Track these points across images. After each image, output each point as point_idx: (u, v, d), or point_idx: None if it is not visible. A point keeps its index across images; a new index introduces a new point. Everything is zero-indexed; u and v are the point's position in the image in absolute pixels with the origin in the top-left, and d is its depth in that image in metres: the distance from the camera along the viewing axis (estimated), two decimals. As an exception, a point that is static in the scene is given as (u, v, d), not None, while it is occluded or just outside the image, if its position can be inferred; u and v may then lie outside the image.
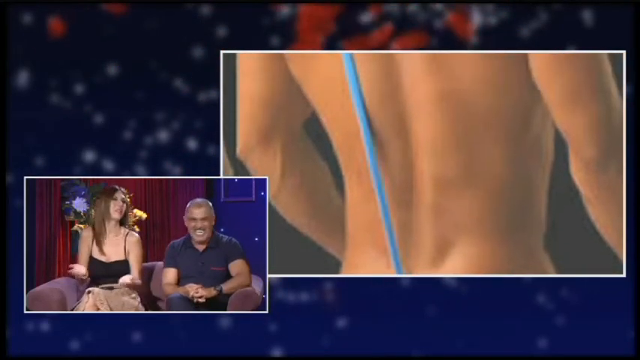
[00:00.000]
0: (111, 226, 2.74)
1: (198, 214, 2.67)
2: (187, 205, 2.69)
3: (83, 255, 2.74)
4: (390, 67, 2.21)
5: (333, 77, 2.25)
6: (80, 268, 2.70)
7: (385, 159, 2.28)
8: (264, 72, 2.35)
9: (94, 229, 2.75)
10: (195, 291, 2.58)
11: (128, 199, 2.82)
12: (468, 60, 2.16)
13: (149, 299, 2.79)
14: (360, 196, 2.32)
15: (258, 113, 2.37)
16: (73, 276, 2.71)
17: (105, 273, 2.68)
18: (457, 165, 2.21)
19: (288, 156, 2.41)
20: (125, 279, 2.67)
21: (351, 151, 2.29)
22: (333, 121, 2.30)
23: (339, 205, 2.45)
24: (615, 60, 2.25)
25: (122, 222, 2.76)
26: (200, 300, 2.57)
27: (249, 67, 2.36)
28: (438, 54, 2.18)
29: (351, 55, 2.20)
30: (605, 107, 2.17)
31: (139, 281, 2.71)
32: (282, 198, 2.45)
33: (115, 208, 2.73)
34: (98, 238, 2.74)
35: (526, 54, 2.17)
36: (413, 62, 2.19)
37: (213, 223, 2.71)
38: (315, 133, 2.39)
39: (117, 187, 2.71)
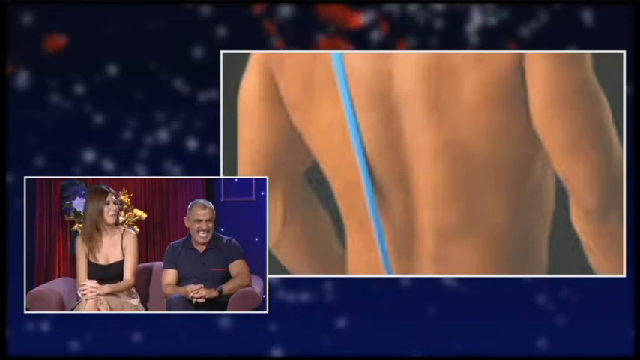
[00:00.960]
0: (106, 230, 2.73)
1: (203, 215, 2.67)
2: (190, 206, 2.68)
3: (81, 262, 2.72)
4: (390, 117, 2.20)
5: (334, 126, 2.24)
6: (88, 283, 2.67)
7: (386, 208, 2.28)
8: (264, 120, 2.35)
9: (88, 233, 2.73)
10: (196, 291, 2.58)
11: (125, 199, 2.82)
12: (468, 110, 2.14)
13: (147, 298, 2.79)
14: (361, 244, 2.33)
15: (259, 162, 2.37)
16: (85, 293, 2.68)
17: (104, 276, 2.68)
18: (458, 214, 2.21)
19: (289, 205, 2.42)
20: (104, 288, 2.65)
21: (352, 199, 2.29)
22: (334, 169, 2.29)
23: (340, 253, 2.45)
24: (615, 105, 2.24)
25: (117, 222, 2.75)
26: (200, 300, 2.57)
27: (250, 114, 2.35)
28: (439, 105, 2.16)
29: (351, 101, 2.19)
30: (605, 156, 2.16)
31: (130, 280, 2.69)
32: (283, 247, 2.46)
33: (109, 214, 2.71)
34: (94, 243, 2.73)
35: (527, 103, 2.14)
36: (414, 111, 2.17)
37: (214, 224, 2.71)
38: (316, 181, 2.39)
39: (107, 189, 2.68)
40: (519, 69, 2.10)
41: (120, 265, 2.70)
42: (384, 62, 2.14)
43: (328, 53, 2.18)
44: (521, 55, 2.10)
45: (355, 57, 2.15)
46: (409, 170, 2.21)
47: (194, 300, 2.56)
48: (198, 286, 2.60)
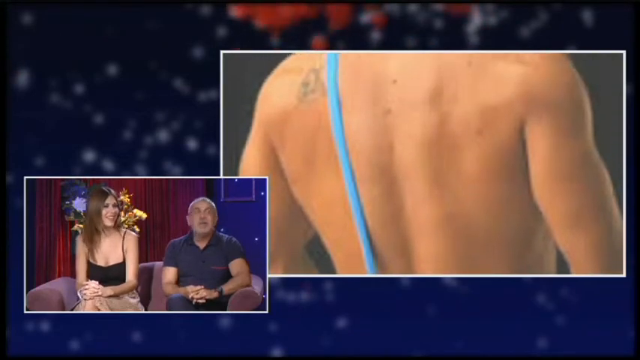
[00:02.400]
0: (105, 231, 2.72)
1: (202, 205, 2.68)
2: (191, 204, 2.70)
3: (81, 263, 2.72)
4: (391, 190, 2.19)
5: (335, 199, 2.23)
6: (91, 285, 2.67)
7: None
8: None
9: (88, 234, 2.73)
10: (196, 292, 2.58)
11: (125, 199, 2.82)
12: (469, 182, 2.13)
13: (147, 298, 2.79)
14: None
15: None
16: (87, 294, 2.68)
17: (103, 277, 2.67)
18: None
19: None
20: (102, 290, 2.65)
21: (354, 272, 2.30)
22: (335, 242, 2.29)
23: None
24: (615, 105, 2.23)
25: (117, 224, 2.74)
26: (200, 301, 2.57)
27: None
28: (440, 178, 2.15)
29: (352, 174, 2.18)
30: (607, 228, 2.15)
31: (133, 282, 2.70)
32: None
33: (107, 216, 2.70)
34: (93, 244, 2.72)
35: (528, 176, 2.13)
36: (415, 185, 2.16)
37: (216, 222, 2.71)
38: (317, 253, 2.40)
39: (107, 190, 2.68)
40: (520, 141, 2.08)
41: (119, 267, 2.70)
42: (385, 135, 2.13)
43: (330, 124, 2.17)
44: (522, 127, 2.08)
45: (357, 129, 2.14)
46: (410, 243, 2.21)
47: (194, 301, 2.57)
48: (199, 287, 2.60)
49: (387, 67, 2.08)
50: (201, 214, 2.68)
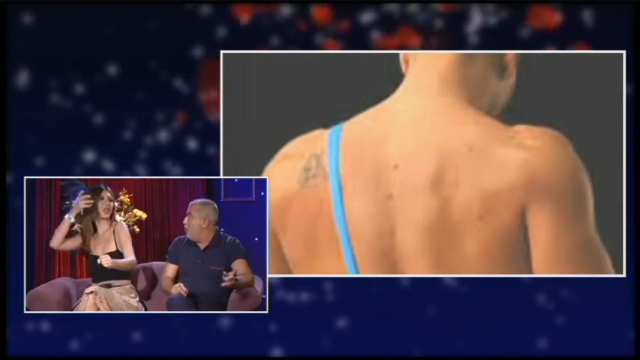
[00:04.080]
0: (101, 225, 2.75)
1: (193, 210, 2.70)
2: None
3: (63, 227, 2.74)
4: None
5: None
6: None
7: None
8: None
9: (85, 229, 2.75)
10: (228, 276, 2.60)
11: (125, 200, 2.83)
12: (471, 267, 2.11)
13: (148, 298, 2.80)
14: None
15: None
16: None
17: (102, 268, 2.69)
18: None
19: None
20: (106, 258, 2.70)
21: None
22: None
23: None
24: (615, 105, 2.21)
25: (112, 217, 2.78)
26: (229, 283, 2.59)
27: None
28: (442, 262, 2.14)
29: (354, 258, 2.19)
30: None
31: (132, 258, 2.72)
32: None
33: (102, 208, 2.74)
34: (90, 237, 2.75)
35: (530, 261, 2.12)
36: (416, 269, 2.15)
37: (208, 223, 2.72)
38: None
39: (102, 185, 2.72)
40: (522, 227, 2.08)
41: (114, 255, 2.72)
42: (387, 220, 2.13)
43: (331, 209, 2.18)
44: (524, 212, 2.07)
45: (358, 214, 2.14)
46: None
47: (226, 283, 2.59)
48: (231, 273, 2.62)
49: (389, 152, 2.07)
50: (185, 219, 2.71)
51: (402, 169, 2.06)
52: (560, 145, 2.03)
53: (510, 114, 2.18)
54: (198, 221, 2.70)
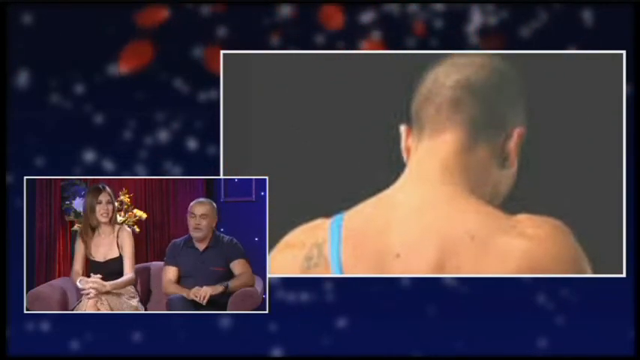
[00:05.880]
0: (101, 228, 2.75)
1: (198, 210, 2.68)
2: (190, 205, 2.71)
3: (78, 257, 2.73)
4: None
5: None
6: (91, 279, 2.68)
7: None
8: None
9: (84, 230, 2.75)
10: (194, 295, 2.59)
11: (125, 200, 2.83)
12: None
13: (147, 298, 2.80)
14: None
15: None
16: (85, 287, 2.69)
17: (101, 272, 2.68)
18: None
19: None
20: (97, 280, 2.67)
21: None
22: None
23: None
24: (615, 105, 2.21)
25: (112, 220, 2.76)
26: (205, 301, 2.58)
27: None
28: None
29: None
30: None
31: (130, 276, 2.71)
32: None
33: (100, 212, 2.72)
34: (90, 241, 2.74)
35: None
36: None
37: (215, 223, 2.72)
38: None
39: (101, 187, 2.71)
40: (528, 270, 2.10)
41: (116, 262, 2.71)
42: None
43: None
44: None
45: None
46: None
47: (203, 301, 2.58)
48: (202, 291, 2.60)
49: (391, 240, 2.07)
50: (196, 220, 2.69)
51: (404, 257, 2.05)
52: (562, 235, 2.02)
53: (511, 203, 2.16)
54: (211, 221, 2.70)
